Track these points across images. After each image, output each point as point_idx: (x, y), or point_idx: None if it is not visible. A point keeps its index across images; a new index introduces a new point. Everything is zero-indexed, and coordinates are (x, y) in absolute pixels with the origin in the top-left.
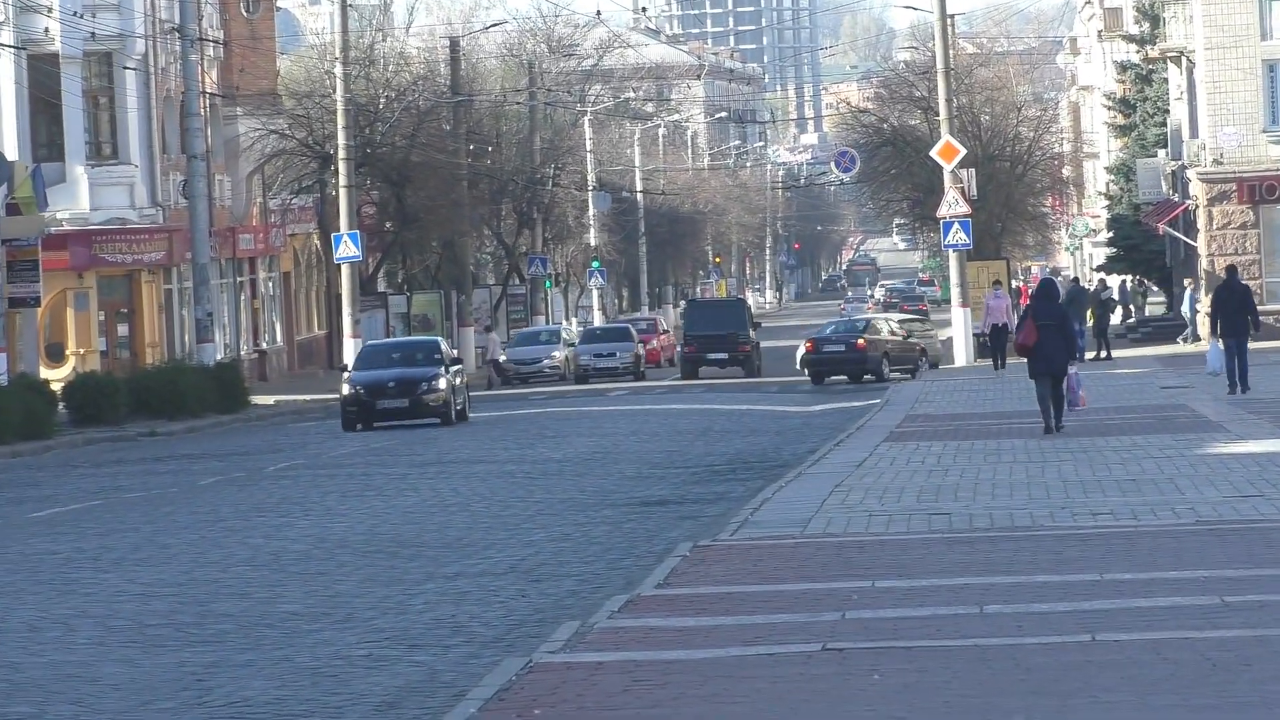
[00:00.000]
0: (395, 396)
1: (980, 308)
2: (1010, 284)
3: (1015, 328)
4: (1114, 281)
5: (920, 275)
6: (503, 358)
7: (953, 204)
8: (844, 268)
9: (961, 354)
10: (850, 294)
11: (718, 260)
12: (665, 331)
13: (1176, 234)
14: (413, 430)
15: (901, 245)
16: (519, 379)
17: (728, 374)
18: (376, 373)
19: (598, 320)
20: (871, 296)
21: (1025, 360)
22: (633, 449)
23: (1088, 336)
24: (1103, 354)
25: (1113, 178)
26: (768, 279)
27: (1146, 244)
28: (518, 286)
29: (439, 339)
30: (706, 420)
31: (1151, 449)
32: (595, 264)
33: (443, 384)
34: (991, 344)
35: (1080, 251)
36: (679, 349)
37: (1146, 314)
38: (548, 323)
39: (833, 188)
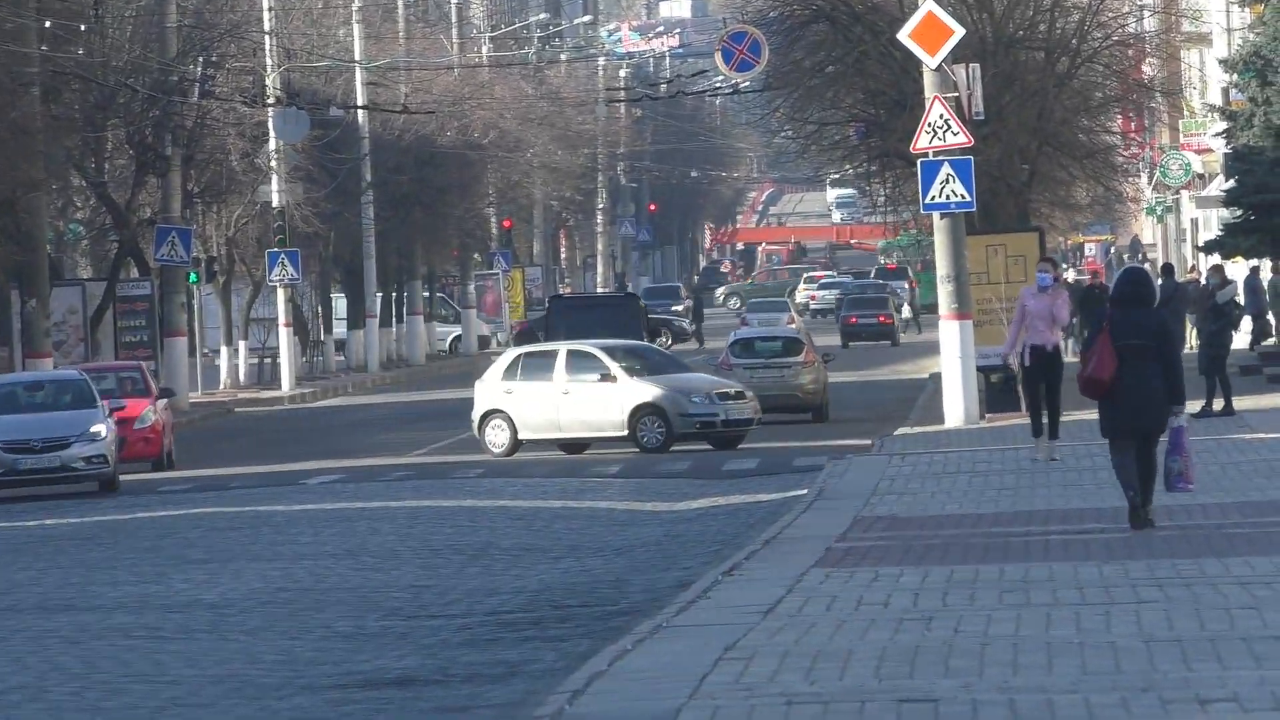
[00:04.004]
0: None
1: (993, 319)
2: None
3: (1081, 350)
4: (1237, 271)
5: (882, 262)
6: None
7: (940, 130)
8: (738, 248)
9: (958, 403)
10: (748, 303)
11: (507, 228)
12: (154, 394)
13: None
14: None
15: (837, 214)
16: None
17: None
18: None
19: (284, 342)
20: (791, 302)
21: (1098, 411)
22: (351, 583)
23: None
24: (1217, 402)
25: (1236, 79)
26: (600, 267)
27: None
28: (138, 283)
29: None
30: (488, 529)
31: None
32: (281, 241)
33: None
34: (1029, 383)
35: (1174, 215)
36: None
37: None
38: (197, 346)
39: (718, 100)
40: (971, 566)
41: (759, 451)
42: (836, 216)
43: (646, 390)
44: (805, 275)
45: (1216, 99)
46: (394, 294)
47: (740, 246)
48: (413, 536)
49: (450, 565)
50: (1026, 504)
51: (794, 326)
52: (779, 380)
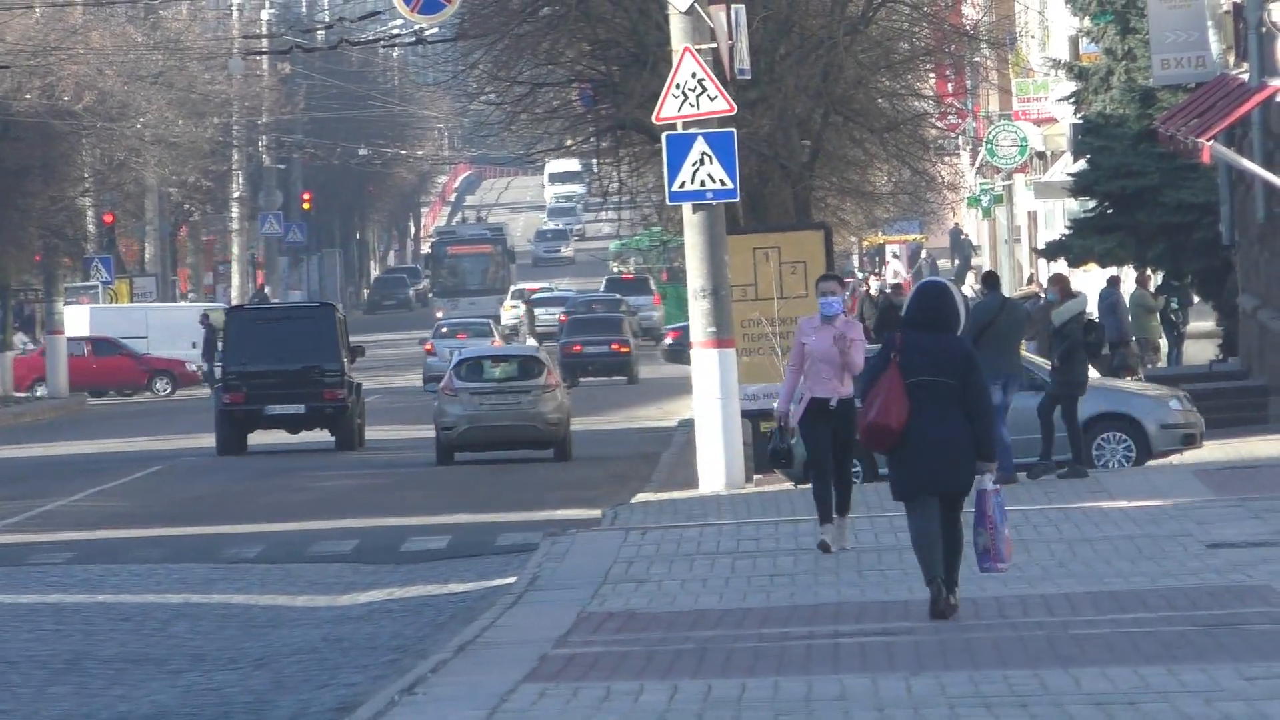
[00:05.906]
0: None
1: (762, 347)
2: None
3: (863, 385)
4: (1089, 284)
5: (617, 270)
6: None
7: (692, 93)
8: (427, 251)
9: (717, 460)
10: (442, 315)
11: (109, 224)
12: None
13: (1244, 163)
14: None
15: (552, 221)
16: None
17: (299, 444)
18: None
19: None
20: (494, 324)
21: (887, 466)
22: None
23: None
24: (1063, 459)
25: (1088, 26)
26: (236, 278)
27: (1168, 189)
28: None
29: None
30: (82, 633)
31: (1184, 702)
32: None
33: None
34: (811, 449)
35: (1006, 208)
36: (214, 398)
37: (1175, 358)
38: None
39: (396, 53)
40: (736, 680)
41: (449, 527)
42: (550, 224)
43: (1105, 396)
44: (512, 290)
45: (1062, 52)
46: None
47: (431, 252)
48: None
49: (30, 683)
50: (809, 595)
51: (499, 346)
52: (515, 409)
